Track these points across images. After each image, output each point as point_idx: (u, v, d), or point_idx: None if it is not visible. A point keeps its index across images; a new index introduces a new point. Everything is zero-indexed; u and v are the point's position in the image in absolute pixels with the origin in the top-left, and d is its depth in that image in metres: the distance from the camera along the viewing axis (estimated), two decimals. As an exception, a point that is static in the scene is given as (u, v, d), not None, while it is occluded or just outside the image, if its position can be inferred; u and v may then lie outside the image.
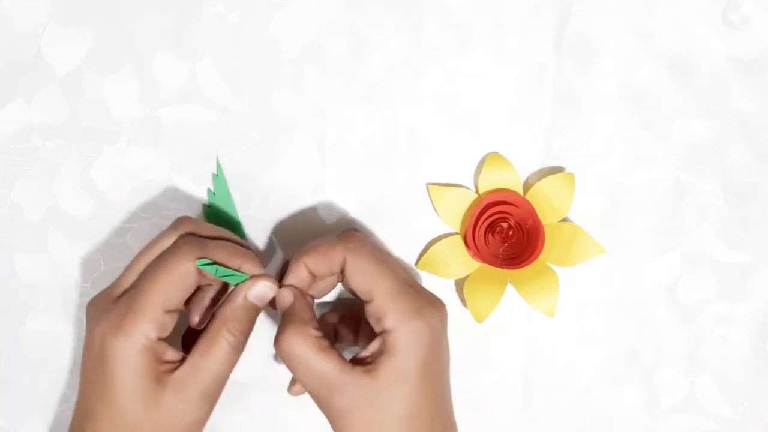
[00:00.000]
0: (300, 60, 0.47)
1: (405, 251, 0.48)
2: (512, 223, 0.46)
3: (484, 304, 0.46)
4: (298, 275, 0.42)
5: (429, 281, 0.47)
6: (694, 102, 0.48)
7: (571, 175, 0.47)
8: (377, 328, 0.40)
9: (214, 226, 0.43)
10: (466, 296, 0.46)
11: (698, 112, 0.48)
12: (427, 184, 0.47)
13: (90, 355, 0.40)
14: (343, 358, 0.39)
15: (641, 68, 0.47)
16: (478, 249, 0.46)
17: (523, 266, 0.46)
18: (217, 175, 0.47)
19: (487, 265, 0.46)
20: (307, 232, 0.47)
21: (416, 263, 0.47)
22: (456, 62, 0.47)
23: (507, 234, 0.46)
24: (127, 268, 0.41)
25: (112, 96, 0.47)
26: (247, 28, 0.47)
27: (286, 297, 0.41)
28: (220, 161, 0.47)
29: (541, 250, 0.46)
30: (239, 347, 0.41)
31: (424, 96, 0.47)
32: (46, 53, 0.47)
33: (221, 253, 0.41)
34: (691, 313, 0.48)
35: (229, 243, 0.42)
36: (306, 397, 0.48)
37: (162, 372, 0.39)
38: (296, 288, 0.42)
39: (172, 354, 0.40)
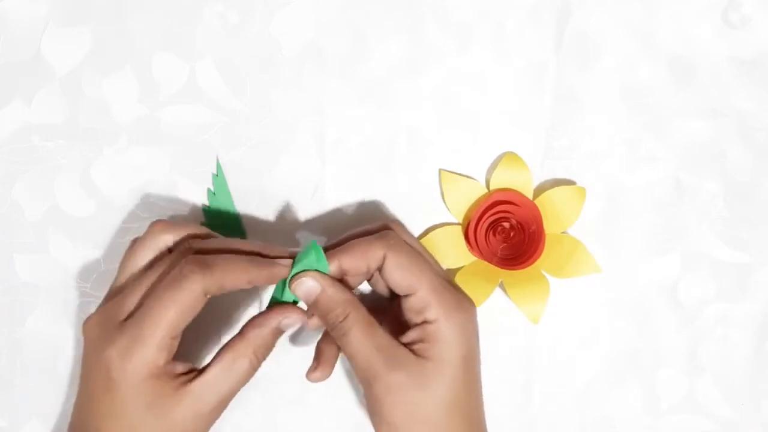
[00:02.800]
0: (300, 60, 0.47)
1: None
2: (515, 223, 0.46)
3: (472, 298, 0.46)
4: (330, 269, 0.42)
5: None
6: (694, 102, 0.48)
7: (583, 189, 0.47)
8: (417, 319, 0.41)
9: (217, 239, 0.43)
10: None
11: (698, 112, 0.48)
12: (440, 170, 0.47)
13: (95, 377, 0.40)
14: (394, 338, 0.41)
15: (641, 68, 0.47)
16: (477, 243, 0.46)
17: (519, 269, 0.46)
18: (217, 175, 0.47)
19: (482, 261, 0.46)
20: (307, 232, 0.47)
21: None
22: (456, 62, 0.47)
23: (508, 234, 0.46)
24: (130, 289, 0.40)
25: (112, 96, 0.47)
26: (247, 28, 0.47)
27: (310, 284, 0.41)
28: (220, 161, 0.47)
29: (538, 257, 0.46)
30: (258, 367, 0.41)
31: (424, 96, 0.47)
32: (46, 53, 0.47)
33: (230, 276, 0.40)
34: (691, 313, 0.48)
35: (235, 258, 0.41)
36: (306, 398, 0.48)
37: (176, 386, 0.39)
38: (326, 276, 0.41)
39: (181, 367, 0.40)
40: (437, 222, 0.48)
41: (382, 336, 0.40)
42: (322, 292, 0.41)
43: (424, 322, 0.41)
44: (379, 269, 0.42)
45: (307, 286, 0.41)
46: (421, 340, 0.40)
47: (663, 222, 0.48)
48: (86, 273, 0.47)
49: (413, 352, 0.40)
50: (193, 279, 0.39)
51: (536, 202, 0.46)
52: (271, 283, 0.42)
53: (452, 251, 0.47)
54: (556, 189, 0.47)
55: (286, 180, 0.47)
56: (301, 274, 0.41)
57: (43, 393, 0.48)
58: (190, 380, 0.39)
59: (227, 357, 0.40)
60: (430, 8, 0.47)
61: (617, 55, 0.47)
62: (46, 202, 0.47)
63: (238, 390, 0.40)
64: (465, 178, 0.47)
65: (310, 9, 0.47)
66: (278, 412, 0.48)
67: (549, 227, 0.46)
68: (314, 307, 0.41)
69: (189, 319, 0.40)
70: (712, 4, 0.47)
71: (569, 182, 0.47)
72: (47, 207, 0.47)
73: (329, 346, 0.43)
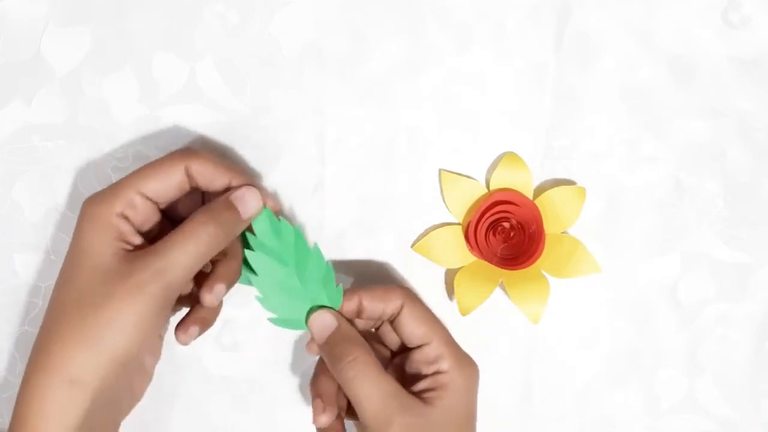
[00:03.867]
0: (300, 60, 0.47)
1: (405, 250, 0.48)
2: (515, 223, 0.46)
3: (472, 298, 0.46)
4: (348, 306, 0.43)
5: (421, 266, 0.47)
6: (694, 102, 0.48)
7: (583, 189, 0.47)
8: (427, 370, 0.42)
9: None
10: (456, 287, 0.46)
11: (698, 112, 0.48)
12: (440, 170, 0.47)
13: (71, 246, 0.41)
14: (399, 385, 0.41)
15: (641, 68, 0.47)
16: (477, 243, 0.46)
17: (519, 269, 0.46)
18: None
19: (481, 261, 0.46)
20: (307, 232, 0.47)
21: (413, 245, 0.47)
22: (456, 62, 0.47)
23: (508, 234, 0.46)
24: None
25: (112, 96, 0.47)
26: (247, 28, 0.47)
27: (329, 320, 0.42)
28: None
29: (538, 257, 0.46)
30: (216, 244, 0.40)
31: (424, 96, 0.47)
32: (46, 53, 0.47)
33: (211, 165, 0.42)
34: (691, 313, 0.48)
35: (219, 159, 0.43)
36: (306, 398, 0.48)
37: (140, 248, 0.40)
38: (339, 314, 0.43)
39: (138, 239, 0.41)
40: (437, 222, 0.48)
41: (392, 382, 0.41)
42: (337, 329, 0.42)
43: (436, 372, 0.42)
44: (391, 321, 0.43)
45: (324, 321, 0.42)
46: (432, 389, 0.41)
47: (663, 222, 0.48)
48: (86, 273, 0.47)
49: (422, 400, 0.41)
50: (175, 155, 0.42)
51: (536, 202, 0.46)
52: (249, 191, 0.42)
53: (452, 251, 0.47)
54: (556, 189, 0.47)
55: (286, 180, 0.47)
56: (321, 310, 0.42)
57: (43, 393, 0.48)
58: (152, 246, 0.40)
59: (185, 228, 0.40)
60: (430, 8, 0.47)
61: (617, 55, 0.47)
62: (46, 202, 0.47)
63: (193, 270, 0.40)
64: (465, 178, 0.47)
65: (310, 9, 0.47)
66: (278, 412, 0.48)
67: (549, 227, 0.46)
68: (325, 343, 0.42)
69: (164, 186, 0.41)
70: (712, 4, 0.47)
71: (569, 182, 0.47)
72: (47, 207, 0.47)
73: (327, 386, 0.43)
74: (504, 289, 0.47)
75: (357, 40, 0.47)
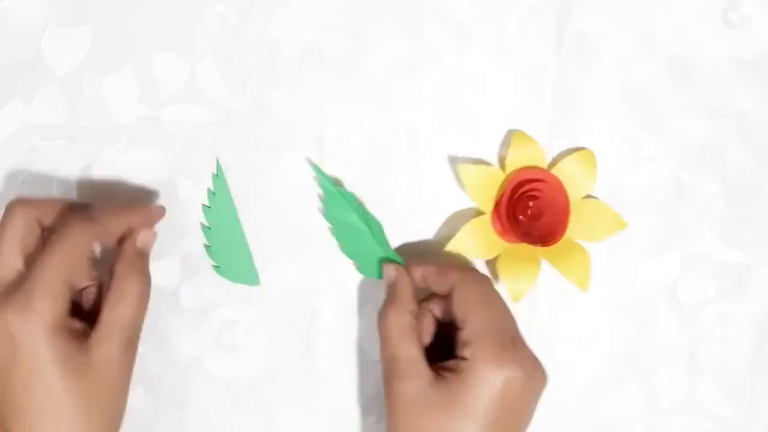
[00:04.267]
0: (300, 60, 0.47)
1: (405, 249, 0.48)
2: (545, 199, 0.46)
3: (521, 282, 0.46)
4: (410, 273, 0.45)
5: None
6: (694, 102, 0.48)
7: (591, 152, 0.47)
8: (458, 352, 0.42)
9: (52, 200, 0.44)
10: (502, 277, 0.46)
11: (698, 112, 0.48)
12: (457, 164, 0.47)
13: None
14: (423, 354, 0.42)
15: (641, 68, 0.47)
16: (510, 227, 0.46)
17: (555, 243, 0.46)
18: (217, 175, 0.47)
19: (515, 244, 0.46)
20: (308, 233, 0.47)
21: (445, 247, 0.47)
22: (456, 62, 0.47)
23: (538, 211, 0.46)
24: (7, 255, 0.41)
25: (112, 96, 0.47)
26: (247, 28, 0.47)
27: (390, 272, 0.45)
28: (220, 161, 0.47)
29: (566, 227, 0.46)
30: (146, 294, 0.42)
31: (424, 96, 0.47)
32: (46, 53, 0.47)
33: (113, 220, 0.43)
34: (691, 313, 0.48)
35: (114, 207, 0.44)
36: (306, 397, 0.48)
37: (81, 339, 0.39)
38: (403, 270, 0.45)
39: (79, 324, 0.40)
40: (437, 222, 0.48)
41: (411, 348, 0.42)
42: (392, 283, 0.45)
43: (461, 357, 0.41)
44: (446, 297, 0.44)
45: (388, 273, 0.45)
46: (450, 370, 0.41)
47: (663, 222, 0.48)
48: (86, 273, 0.47)
49: (441, 374, 0.41)
50: (79, 228, 0.40)
51: (554, 172, 0.46)
52: (149, 225, 0.44)
53: (483, 242, 0.47)
54: (567, 158, 0.46)
55: (286, 180, 0.47)
56: (388, 264, 0.46)
57: (43, 393, 0.48)
58: (88, 333, 0.40)
59: (111, 295, 0.40)
60: (430, 8, 0.47)
61: (617, 55, 0.47)
62: (46, 202, 0.47)
63: (139, 321, 0.41)
64: (483, 165, 0.47)
65: (310, 9, 0.47)
66: (278, 412, 0.48)
67: (571, 195, 0.46)
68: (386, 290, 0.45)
69: (80, 272, 0.40)
70: (712, 4, 0.47)
71: (577, 149, 0.47)
72: (47, 207, 0.47)
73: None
74: (550, 265, 0.47)
75: (357, 40, 0.47)
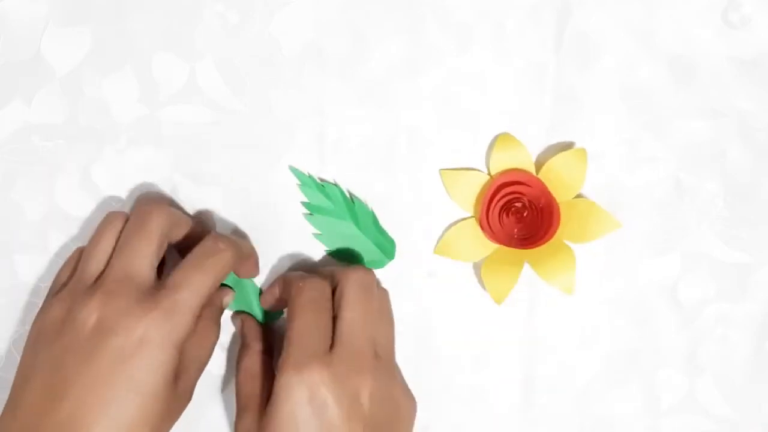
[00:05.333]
0: (300, 60, 0.47)
1: (405, 249, 0.48)
2: (526, 202, 0.46)
3: (502, 285, 0.46)
4: (271, 291, 0.46)
5: (448, 266, 0.47)
6: (694, 102, 0.48)
7: (583, 150, 0.47)
8: None
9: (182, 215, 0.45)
10: (483, 278, 0.46)
11: (698, 112, 0.48)
12: (440, 170, 0.47)
13: (103, 354, 0.39)
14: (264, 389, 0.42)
15: (641, 68, 0.47)
16: (493, 230, 0.46)
17: (539, 245, 0.46)
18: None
19: (503, 247, 0.46)
20: (308, 232, 0.47)
21: (434, 249, 0.47)
22: (456, 62, 0.47)
23: (521, 214, 0.46)
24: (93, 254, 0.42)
25: (112, 96, 0.47)
26: (247, 28, 0.47)
27: (236, 322, 0.47)
28: (220, 161, 0.47)
29: (556, 228, 0.46)
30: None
31: (424, 96, 0.47)
32: (46, 53, 0.47)
33: (250, 257, 0.46)
34: (691, 313, 0.48)
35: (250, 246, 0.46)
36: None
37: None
38: (247, 317, 0.47)
39: None
40: (437, 222, 0.48)
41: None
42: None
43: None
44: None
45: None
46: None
47: (663, 222, 0.48)
48: (86, 273, 0.47)
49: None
50: (227, 250, 0.42)
51: (540, 175, 0.46)
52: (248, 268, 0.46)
53: (471, 244, 0.47)
54: (556, 157, 0.46)
55: (286, 180, 0.47)
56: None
57: (43, 393, 0.48)
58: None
59: (199, 330, 0.42)
60: (430, 8, 0.47)
61: (617, 55, 0.47)
62: (46, 202, 0.47)
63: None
64: (465, 170, 0.47)
65: (310, 9, 0.47)
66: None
67: (560, 195, 0.46)
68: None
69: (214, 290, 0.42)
70: (712, 4, 0.47)
71: (567, 146, 0.47)
72: (47, 207, 0.47)
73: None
74: (531, 269, 0.47)
75: (357, 40, 0.47)
